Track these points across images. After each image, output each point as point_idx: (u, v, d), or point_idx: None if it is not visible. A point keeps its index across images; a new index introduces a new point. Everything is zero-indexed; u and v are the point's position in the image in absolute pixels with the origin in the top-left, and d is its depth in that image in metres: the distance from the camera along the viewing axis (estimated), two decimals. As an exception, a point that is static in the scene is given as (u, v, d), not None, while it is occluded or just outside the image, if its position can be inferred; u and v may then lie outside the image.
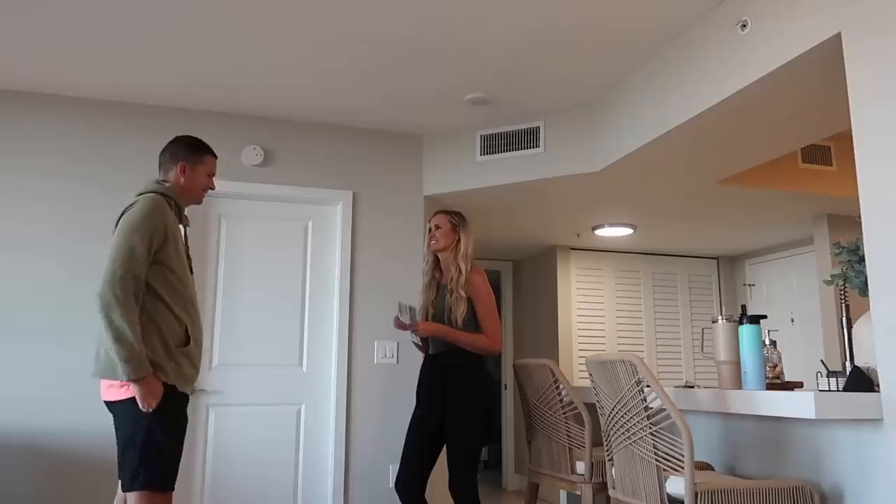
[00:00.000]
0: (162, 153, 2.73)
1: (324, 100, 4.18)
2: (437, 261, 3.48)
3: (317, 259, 4.47)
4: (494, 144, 4.48)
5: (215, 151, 2.84)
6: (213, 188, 2.79)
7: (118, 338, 2.30)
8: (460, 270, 3.32)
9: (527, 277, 7.18)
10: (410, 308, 3.36)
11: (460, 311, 3.26)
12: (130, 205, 2.51)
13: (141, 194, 2.56)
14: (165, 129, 4.12)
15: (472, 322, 3.30)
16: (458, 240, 3.39)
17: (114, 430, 2.45)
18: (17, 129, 4.05)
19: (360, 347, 4.37)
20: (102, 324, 2.33)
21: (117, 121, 4.20)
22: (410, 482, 3.27)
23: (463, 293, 3.27)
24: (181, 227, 2.63)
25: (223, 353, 4.22)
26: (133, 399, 2.37)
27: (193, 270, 2.69)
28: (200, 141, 2.77)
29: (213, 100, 4.19)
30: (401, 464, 3.35)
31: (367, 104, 4.25)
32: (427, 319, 3.42)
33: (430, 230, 3.45)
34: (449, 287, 3.33)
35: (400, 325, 3.37)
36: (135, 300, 2.36)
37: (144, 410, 2.35)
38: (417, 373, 3.54)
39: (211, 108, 4.32)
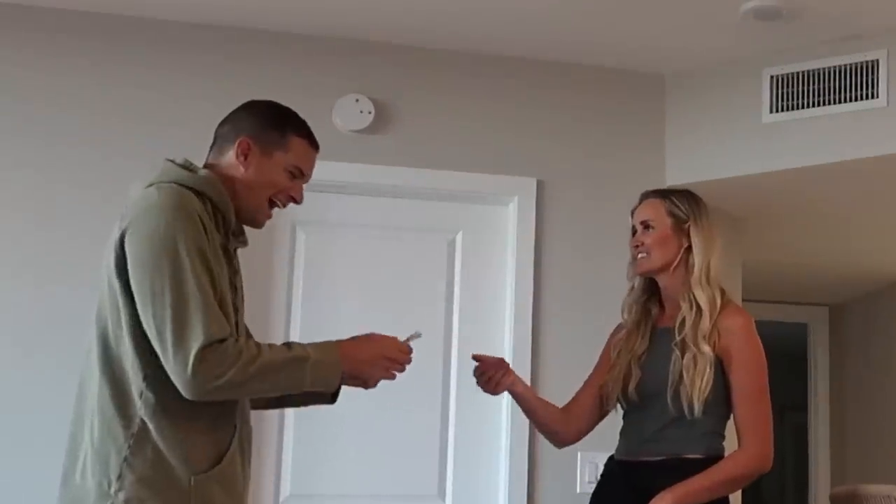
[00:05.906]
0: (221, 124, 1.96)
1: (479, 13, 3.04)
2: (649, 285, 2.59)
3: (468, 290, 3.33)
4: (794, 93, 3.40)
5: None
6: (297, 199, 1.89)
7: (268, 381, 1.70)
8: (698, 305, 2.36)
9: (856, 334, 5.89)
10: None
11: (702, 382, 2.32)
12: (123, 217, 1.72)
13: (150, 186, 1.72)
14: (213, 63, 3.00)
15: (723, 405, 2.37)
16: (689, 247, 2.43)
17: None
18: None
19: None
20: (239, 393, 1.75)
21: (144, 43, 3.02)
22: None
23: (707, 349, 2.33)
24: (220, 246, 1.76)
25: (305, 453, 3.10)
26: None
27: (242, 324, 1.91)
28: (288, 111, 1.92)
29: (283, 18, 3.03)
30: None
31: (563, 24, 3.11)
32: (629, 392, 2.47)
33: (634, 230, 2.59)
34: (680, 336, 2.39)
35: None
36: (235, 350, 1.63)
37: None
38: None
39: (289, 30, 3.10)
